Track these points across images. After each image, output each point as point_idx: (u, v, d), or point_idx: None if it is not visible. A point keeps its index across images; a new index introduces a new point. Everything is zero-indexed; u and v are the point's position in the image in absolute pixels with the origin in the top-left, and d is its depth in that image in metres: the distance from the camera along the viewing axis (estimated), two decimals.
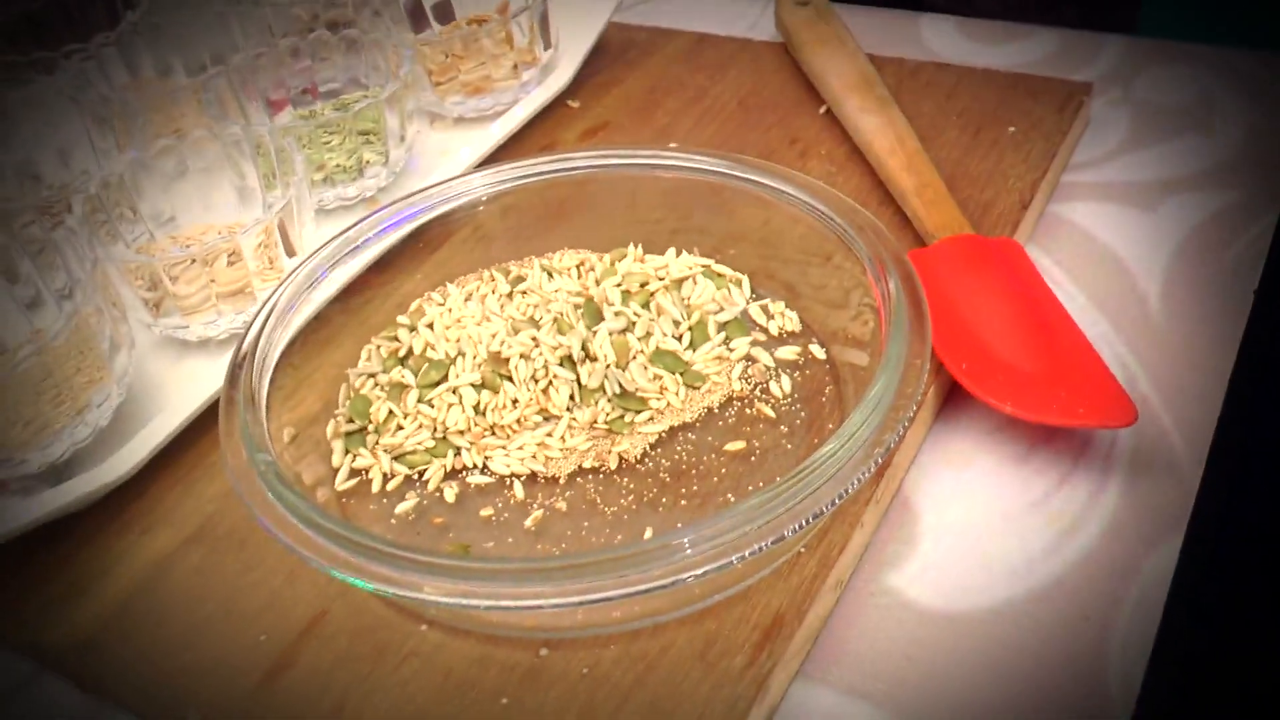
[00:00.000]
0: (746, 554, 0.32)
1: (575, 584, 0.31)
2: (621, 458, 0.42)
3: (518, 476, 0.42)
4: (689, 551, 0.32)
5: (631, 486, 0.41)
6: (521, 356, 0.44)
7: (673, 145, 0.55)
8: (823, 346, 0.45)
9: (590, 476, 0.41)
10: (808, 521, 0.33)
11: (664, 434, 0.42)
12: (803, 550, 0.38)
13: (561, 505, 0.41)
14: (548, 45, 0.62)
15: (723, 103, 0.61)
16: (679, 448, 0.42)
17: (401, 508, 0.41)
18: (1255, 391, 0.39)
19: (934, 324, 0.40)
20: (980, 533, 0.41)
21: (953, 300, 0.45)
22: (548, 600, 0.31)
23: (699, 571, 0.32)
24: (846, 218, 0.43)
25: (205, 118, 0.55)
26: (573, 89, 0.63)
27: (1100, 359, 0.43)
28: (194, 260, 0.47)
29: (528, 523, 0.40)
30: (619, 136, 0.60)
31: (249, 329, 0.41)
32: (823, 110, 0.58)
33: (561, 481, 0.41)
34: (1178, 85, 0.60)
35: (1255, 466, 0.37)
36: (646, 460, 0.42)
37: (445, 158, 0.58)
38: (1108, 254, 0.50)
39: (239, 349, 0.41)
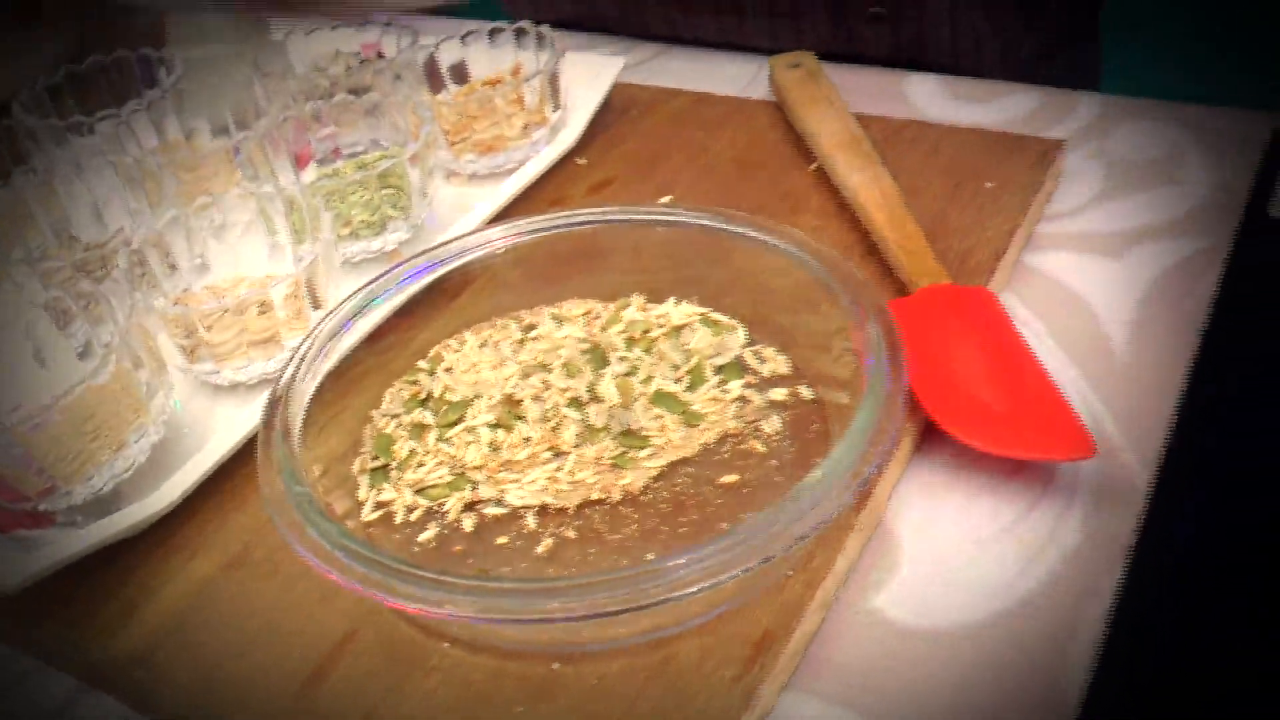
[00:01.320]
0: (735, 574, 0.36)
1: (581, 601, 0.35)
2: (625, 490, 0.45)
3: (530, 508, 0.45)
4: (683, 572, 0.36)
5: (635, 517, 0.45)
6: (533, 398, 0.48)
7: (671, 200, 0.59)
8: (810, 388, 0.49)
9: (597, 508, 0.45)
10: (792, 545, 0.37)
11: (664, 469, 0.46)
12: (791, 573, 0.42)
13: (571, 534, 0.44)
14: (557, 106, 0.67)
15: (720, 159, 0.66)
16: (678, 481, 0.46)
17: (423, 537, 0.45)
18: (1198, 427, 0.43)
19: (912, 366, 0.44)
20: (954, 557, 0.44)
21: (930, 345, 0.49)
22: (557, 616, 0.35)
23: (692, 590, 0.36)
24: (832, 269, 0.47)
25: (238, 177, 0.59)
26: (580, 147, 0.67)
27: (1063, 397, 0.46)
28: (227, 310, 0.51)
29: (539, 550, 0.44)
30: (623, 192, 0.64)
31: (283, 372, 0.45)
32: (813, 167, 0.62)
33: (570, 512, 0.45)
34: (1148, 140, 0.64)
35: (1197, 496, 0.41)
36: (648, 493, 0.45)
37: (461, 213, 0.62)
38: (1077, 300, 0.54)
39: (275, 390, 0.45)
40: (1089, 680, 0.38)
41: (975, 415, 0.46)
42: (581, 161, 0.67)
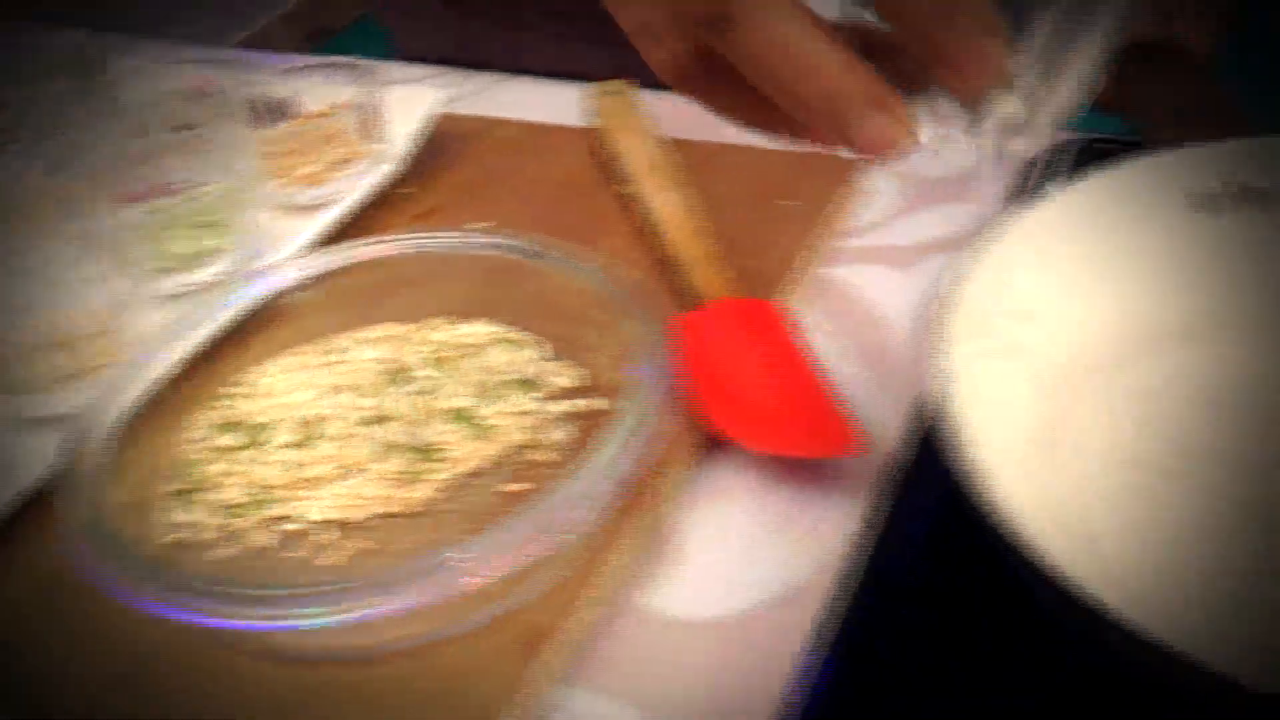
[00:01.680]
0: (489, 573, 0.38)
1: (335, 605, 0.37)
2: (416, 502, 0.47)
3: (326, 523, 0.47)
4: (443, 571, 0.38)
5: (426, 526, 0.47)
6: (331, 419, 0.50)
7: (490, 226, 0.62)
8: (604, 398, 0.51)
9: (393, 519, 0.47)
10: (542, 542, 0.39)
11: (454, 480, 0.48)
12: (569, 575, 0.44)
13: (369, 545, 0.46)
14: (379, 138, 0.69)
15: (540, 185, 0.68)
16: (468, 492, 0.48)
17: (221, 555, 0.47)
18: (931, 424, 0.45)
19: (697, 376, 0.48)
20: (732, 553, 0.47)
21: (717, 355, 0.52)
22: (312, 620, 0.37)
23: (449, 590, 0.38)
24: (623, 287, 0.50)
25: (56, 215, 0.60)
26: (408, 178, 0.69)
27: (834, 399, 0.49)
28: (38, 346, 0.52)
29: (329, 561, 0.45)
30: (447, 220, 0.66)
31: (90, 403, 0.47)
32: (623, 190, 0.65)
33: (363, 525, 0.47)
34: (944, 159, 0.68)
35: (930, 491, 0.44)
36: (438, 503, 0.47)
37: (284, 245, 0.63)
38: (865, 307, 0.57)
39: (77, 422, 0.46)
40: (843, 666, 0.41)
41: (754, 419, 0.49)
42: (408, 192, 0.69)
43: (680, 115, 0.72)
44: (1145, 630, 0.30)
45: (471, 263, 0.56)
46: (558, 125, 0.73)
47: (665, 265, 0.59)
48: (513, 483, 0.48)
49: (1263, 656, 0.35)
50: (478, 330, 0.55)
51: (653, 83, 0.74)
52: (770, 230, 0.61)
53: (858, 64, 0.35)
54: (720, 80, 0.39)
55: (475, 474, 0.49)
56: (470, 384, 0.52)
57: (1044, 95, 0.38)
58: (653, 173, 0.63)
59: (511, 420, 0.50)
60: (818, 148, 0.41)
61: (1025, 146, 0.39)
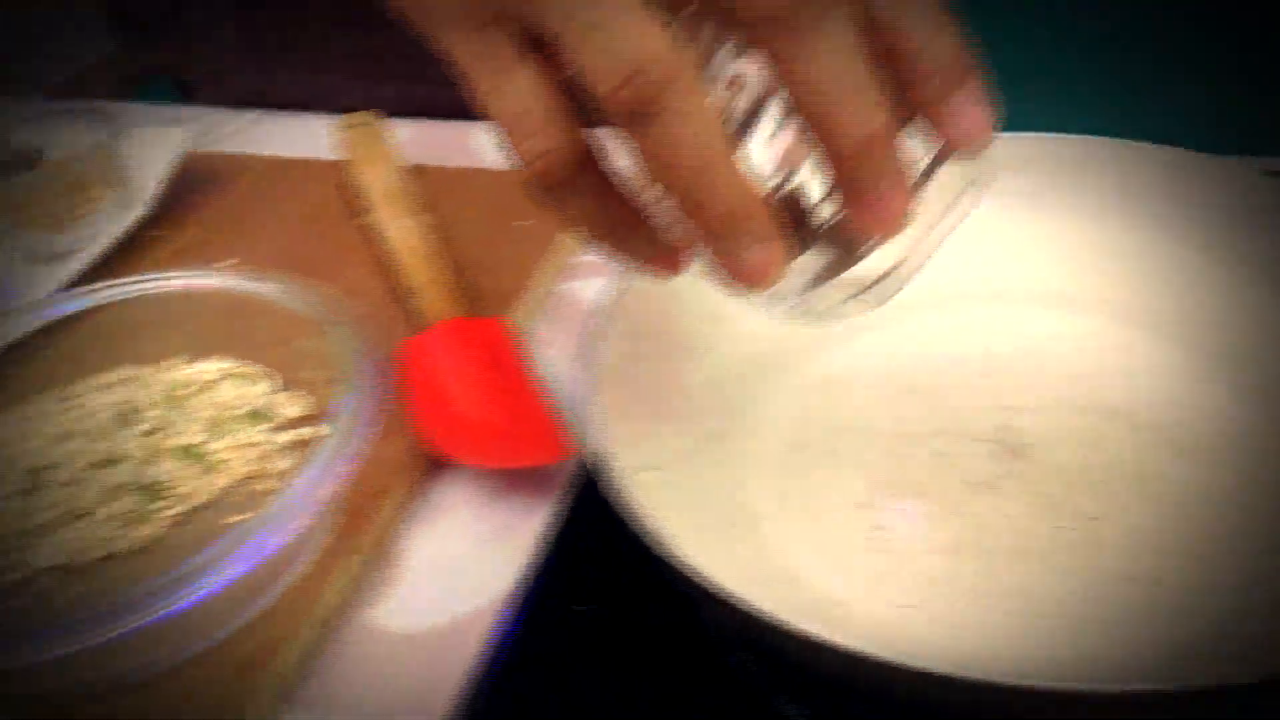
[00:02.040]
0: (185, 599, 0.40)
1: (46, 644, 0.38)
2: (146, 539, 0.49)
3: (54, 568, 0.48)
4: (149, 602, 0.40)
5: (155, 562, 0.48)
6: (60, 465, 0.51)
7: (237, 263, 0.63)
8: (328, 425, 0.53)
9: (120, 559, 0.48)
10: (242, 563, 0.41)
11: (182, 516, 0.50)
12: (287, 597, 0.46)
13: (93, 586, 0.47)
14: (126, 182, 0.69)
15: (289, 220, 0.69)
16: (195, 526, 0.49)
17: None
18: None
19: (421, 397, 0.50)
20: (454, 566, 0.49)
21: (440, 376, 0.54)
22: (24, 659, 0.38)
23: (144, 622, 0.39)
24: (346, 316, 0.52)
25: None
26: (157, 219, 0.70)
27: (548, 409, 0.52)
28: None
29: (60, 604, 0.47)
30: (197, 260, 0.67)
31: None
32: (366, 220, 0.67)
33: (93, 567, 0.48)
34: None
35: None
36: (167, 539, 0.49)
37: (30, 293, 0.64)
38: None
39: None
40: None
41: (472, 436, 0.51)
42: (158, 234, 0.70)
43: (424, 142, 0.75)
44: (780, 620, 0.33)
45: (210, 300, 0.57)
46: (308, 159, 0.75)
47: (400, 292, 0.61)
48: (237, 514, 0.49)
49: (895, 630, 0.38)
50: (211, 367, 0.56)
51: (398, 112, 0.77)
52: (507, 250, 0.64)
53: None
54: (584, 188, 0.35)
55: (203, 508, 0.50)
56: (200, 420, 0.53)
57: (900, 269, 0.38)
58: (390, 201, 0.65)
59: (239, 453, 0.52)
60: (653, 272, 0.38)
61: (856, 310, 0.39)
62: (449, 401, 0.53)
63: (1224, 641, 0.38)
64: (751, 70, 0.34)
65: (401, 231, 0.63)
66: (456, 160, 0.73)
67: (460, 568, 0.49)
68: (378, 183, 0.67)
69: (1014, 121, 0.47)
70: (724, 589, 0.32)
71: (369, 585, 0.49)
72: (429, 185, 0.69)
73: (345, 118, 0.74)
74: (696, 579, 0.33)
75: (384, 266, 0.64)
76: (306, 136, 0.79)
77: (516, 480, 0.52)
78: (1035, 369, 0.48)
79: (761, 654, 0.39)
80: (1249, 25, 0.69)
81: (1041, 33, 0.73)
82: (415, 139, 0.74)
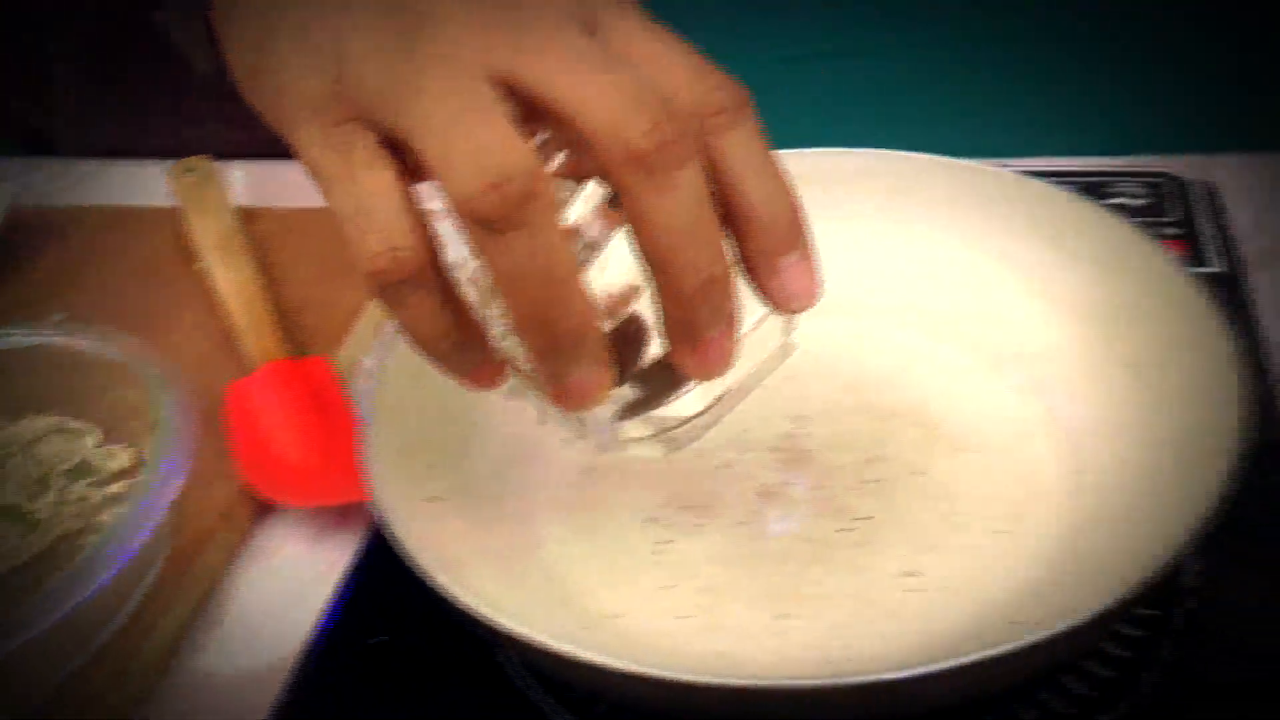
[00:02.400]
0: None
1: None
2: None
3: None
4: None
5: None
6: None
7: (64, 318, 0.63)
8: (144, 476, 0.54)
9: None
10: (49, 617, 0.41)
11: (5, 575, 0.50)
12: (103, 646, 0.46)
13: None
14: None
15: (123, 270, 0.70)
16: (14, 584, 0.50)
17: None
18: None
19: (244, 440, 0.52)
20: (281, 607, 0.50)
21: (264, 419, 0.55)
22: None
23: None
24: (156, 364, 0.53)
25: None
26: None
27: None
28: None
29: None
30: (28, 315, 0.67)
31: None
32: (198, 267, 0.68)
33: None
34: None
35: None
36: None
37: None
38: None
39: None
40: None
41: (290, 476, 0.52)
42: None
43: (262, 183, 0.75)
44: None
45: (30, 358, 0.57)
46: (140, 207, 0.75)
47: (230, 336, 0.62)
48: (59, 570, 0.50)
49: (669, 641, 0.40)
50: (35, 424, 0.56)
51: (227, 154, 0.77)
52: (330, 288, 0.64)
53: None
54: (422, 294, 0.34)
55: (25, 567, 0.50)
56: (22, 480, 0.53)
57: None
58: (220, 247, 0.66)
59: (62, 509, 0.52)
60: (470, 384, 0.38)
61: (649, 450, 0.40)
62: (269, 444, 0.54)
63: (986, 628, 0.40)
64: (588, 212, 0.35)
65: (229, 277, 0.63)
66: (282, 202, 0.74)
67: (288, 608, 0.50)
68: (209, 228, 0.68)
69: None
70: (479, 611, 0.34)
71: (197, 630, 0.49)
72: (264, 227, 0.69)
73: (178, 163, 0.74)
74: (457, 604, 0.34)
75: (217, 313, 0.64)
76: (143, 185, 0.79)
77: (341, 519, 0.53)
78: (821, 376, 0.50)
79: (536, 672, 0.40)
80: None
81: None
82: (252, 180, 0.75)
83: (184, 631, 0.49)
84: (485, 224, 0.31)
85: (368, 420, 0.41)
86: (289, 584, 0.51)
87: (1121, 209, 0.60)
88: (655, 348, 0.37)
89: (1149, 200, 0.61)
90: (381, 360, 0.44)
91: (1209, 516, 0.35)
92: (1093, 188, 0.61)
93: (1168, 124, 0.69)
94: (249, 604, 0.50)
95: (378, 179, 0.33)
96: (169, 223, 0.73)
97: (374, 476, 0.39)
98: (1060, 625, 0.33)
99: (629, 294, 0.37)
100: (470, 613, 0.34)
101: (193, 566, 0.51)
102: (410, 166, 0.34)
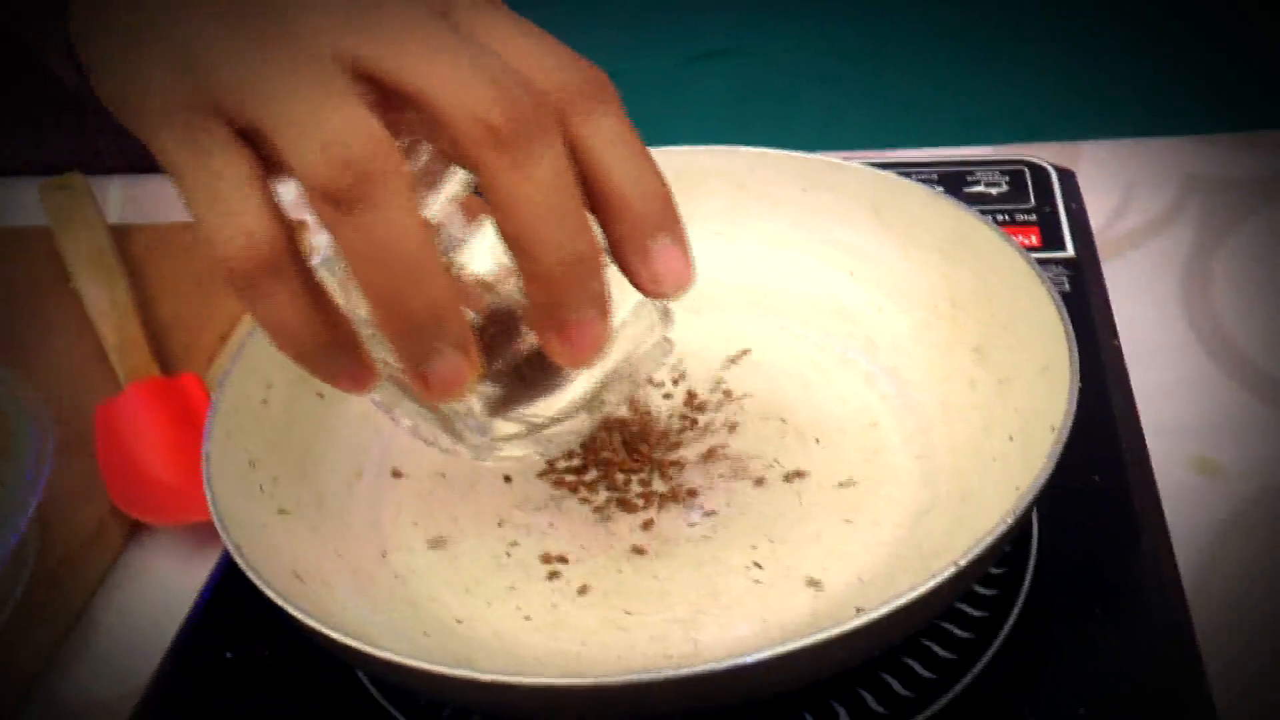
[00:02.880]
0: None
1: None
2: None
3: None
4: None
5: None
6: None
7: None
8: None
9: None
10: None
11: None
12: None
13: None
14: None
15: None
16: None
17: None
18: None
19: (112, 459, 0.52)
20: (151, 626, 0.49)
21: (132, 438, 0.55)
22: None
23: None
24: (26, 390, 0.52)
25: None
26: None
27: None
28: None
29: None
30: None
31: None
32: (72, 286, 0.67)
33: None
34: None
35: None
36: None
37: None
38: None
39: None
40: None
41: (158, 493, 0.52)
42: None
43: (131, 201, 0.74)
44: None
45: None
46: (17, 226, 0.74)
47: (103, 356, 0.62)
48: None
49: (509, 642, 0.40)
50: None
51: (101, 169, 0.77)
52: (205, 304, 0.64)
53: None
54: (281, 287, 0.32)
55: None
56: None
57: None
58: (91, 265, 0.65)
59: None
60: (342, 386, 0.36)
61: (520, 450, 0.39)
62: (136, 462, 0.53)
63: (823, 616, 0.41)
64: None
65: (98, 295, 0.63)
66: (157, 217, 0.73)
67: (159, 628, 0.49)
68: (80, 246, 0.67)
69: None
70: (309, 621, 0.34)
71: (64, 652, 0.49)
72: (139, 243, 0.69)
73: (50, 180, 0.74)
74: (290, 614, 0.35)
75: (92, 333, 0.64)
76: (14, 202, 0.79)
77: (214, 536, 0.52)
78: (670, 369, 0.50)
79: (380, 683, 0.41)
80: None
81: None
82: (127, 196, 0.74)
83: (50, 653, 0.49)
84: (334, 202, 0.30)
85: (211, 434, 0.41)
86: (160, 603, 0.50)
87: (980, 197, 0.61)
88: (529, 341, 0.36)
89: (1007, 188, 0.62)
90: (229, 372, 0.44)
91: (1037, 495, 0.36)
92: (953, 177, 0.62)
93: (1031, 112, 0.70)
94: (119, 624, 0.50)
95: (232, 169, 0.32)
96: (42, 241, 0.72)
97: (215, 492, 0.39)
98: (885, 609, 0.33)
99: (495, 282, 0.36)
100: (301, 623, 0.34)
101: (60, 588, 0.50)
102: (267, 158, 0.33)
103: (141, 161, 0.70)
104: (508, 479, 0.47)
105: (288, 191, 0.33)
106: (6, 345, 0.64)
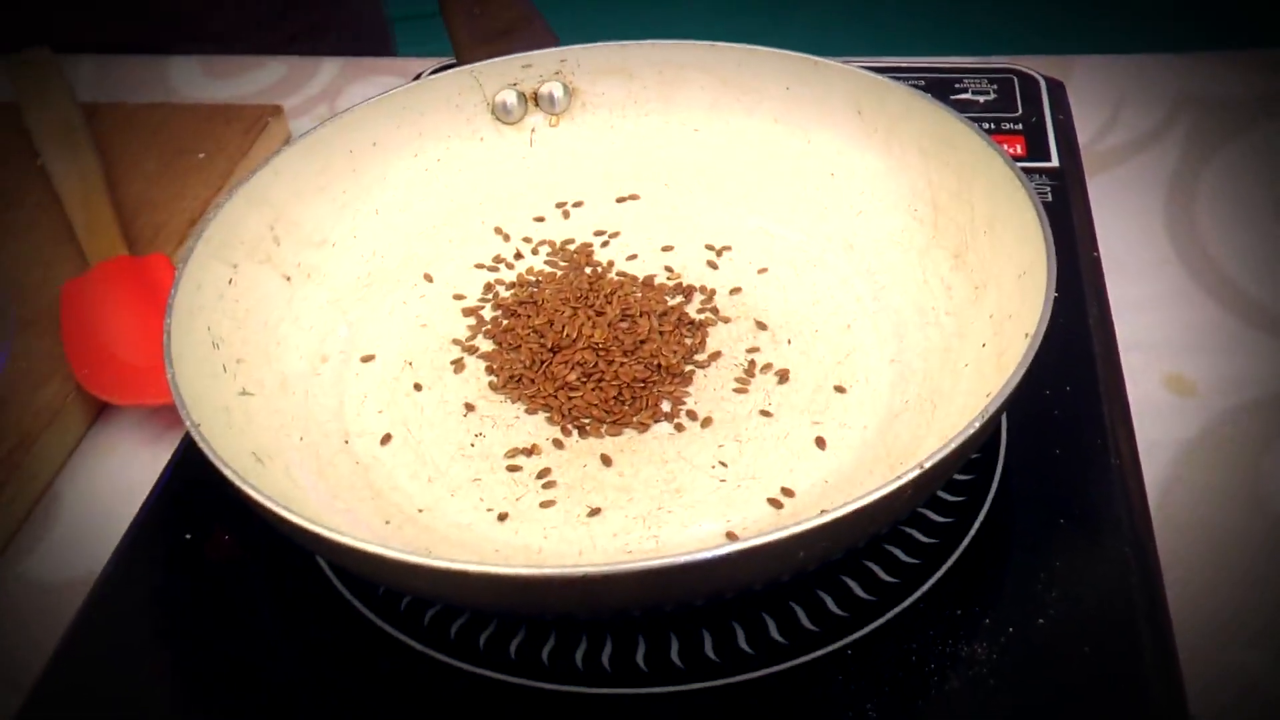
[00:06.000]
0: None
1: None
2: None
3: None
4: None
5: None
6: None
7: None
8: None
9: None
10: None
11: None
12: None
13: None
14: None
15: None
16: None
17: None
18: None
19: (78, 339, 0.51)
20: (113, 507, 0.49)
21: (99, 317, 0.54)
22: None
23: None
24: None
25: None
26: None
27: None
28: None
29: None
30: None
31: None
32: (39, 163, 0.66)
33: None
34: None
35: None
36: None
37: None
38: None
39: None
40: None
41: (123, 373, 0.51)
42: None
43: (105, 77, 0.73)
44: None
45: None
46: None
47: (70, 234, 0.61)
48: None
49: (469, 533, 0.40)
50: None
51: (72, 47, 0.75)
52: (173, 185, 0.63)
53: None
54: None
55: None
56: None
57: None
58: (55, 141, 0.64)
59: None
60: None
61: None
62: (102, 342, 0.53)
63: (786, 516, 0.40)
64: None
65: (65, 171, 0.62)
66: (150, 95, 0.72)
67: (120, 509, 0.49)
68: (49, 123, 0.66)
69: None
70: (268, 504, 0.33)
71: (25, 534, 0.48)
72: (107, 122, 0.68)
73: (17, 55, 0.72)
74: (243, 496, 0.34)
75: (58, 209, 0.63)
76: None
77: (175, 418, 0.52)
78: (652, 262, 0.50)
79: (338, 569, 0.40)
80: None
81: None
82: (98, 74, 0.73)
83: (11, 535, 0.48)
84: None
85: (173, 311, 0.40)
86: (123, 485, 0.50)
87: (968, 104, 0.60)
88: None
89: (995, 96, 0.61)
90: (192, 250, 0.43)
91: (1005, 401, 0.36)
92: (940, 84, 0.61)
93: (1026, 26, 0.69)
94: (81, 505, 0.50)
95: None
96: (8, 116, 0.71)
97: (175, 370, 0.38)
98: (846, 509, 0.33)
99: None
100: (260, 504, 0.34)
101: (20, 469, 0.50)
102: None
103: (112, 39, 0.69)
104: (477, 363, 0.46)
105: None
106: None
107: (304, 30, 0.84)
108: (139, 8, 0.79)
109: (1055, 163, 0.57)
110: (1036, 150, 0.58)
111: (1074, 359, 0.46)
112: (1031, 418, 0.43)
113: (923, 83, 0.61)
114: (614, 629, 0.38)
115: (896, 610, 0.39)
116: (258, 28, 0.83)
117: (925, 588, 0.40)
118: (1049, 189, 0.55)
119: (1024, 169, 0.47)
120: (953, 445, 0.34)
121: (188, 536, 0.43)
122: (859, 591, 0.39)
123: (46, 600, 0.46)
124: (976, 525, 0.41)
